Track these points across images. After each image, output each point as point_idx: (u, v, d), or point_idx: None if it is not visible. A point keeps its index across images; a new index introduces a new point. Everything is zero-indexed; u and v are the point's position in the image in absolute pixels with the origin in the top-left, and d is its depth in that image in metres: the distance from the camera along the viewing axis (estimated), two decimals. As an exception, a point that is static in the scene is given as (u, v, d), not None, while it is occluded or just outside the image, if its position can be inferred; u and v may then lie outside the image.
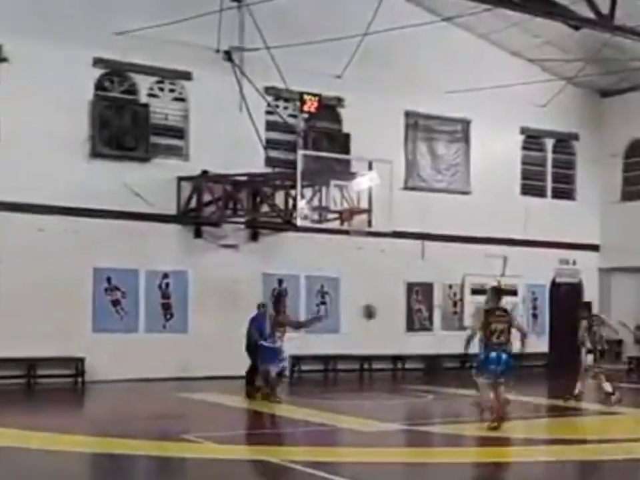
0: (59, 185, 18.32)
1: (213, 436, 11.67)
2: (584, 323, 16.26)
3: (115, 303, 19.11)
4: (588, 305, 17.25)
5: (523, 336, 12.50)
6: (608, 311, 25.54)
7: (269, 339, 15.49)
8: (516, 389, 16.51)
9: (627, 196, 25.15)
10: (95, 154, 18.97)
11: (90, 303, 18.79)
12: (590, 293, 25.46)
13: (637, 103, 24.42)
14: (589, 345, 16.09)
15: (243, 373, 17.77)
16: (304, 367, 20.51)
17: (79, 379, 18.28)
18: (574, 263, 25.17)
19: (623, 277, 25.30)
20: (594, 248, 25.48)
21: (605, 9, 17.75)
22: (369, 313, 16.24)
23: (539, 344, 24.37)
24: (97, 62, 19.14)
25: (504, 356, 12.01)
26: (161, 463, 10.17)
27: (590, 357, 16.07)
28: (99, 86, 19.36)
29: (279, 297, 16.46)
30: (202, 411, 15.17)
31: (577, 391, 15.89)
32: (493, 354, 12.03)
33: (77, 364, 18.29)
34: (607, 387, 15.93)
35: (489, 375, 12.18)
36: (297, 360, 20.31)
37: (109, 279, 19.03)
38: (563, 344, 24.49)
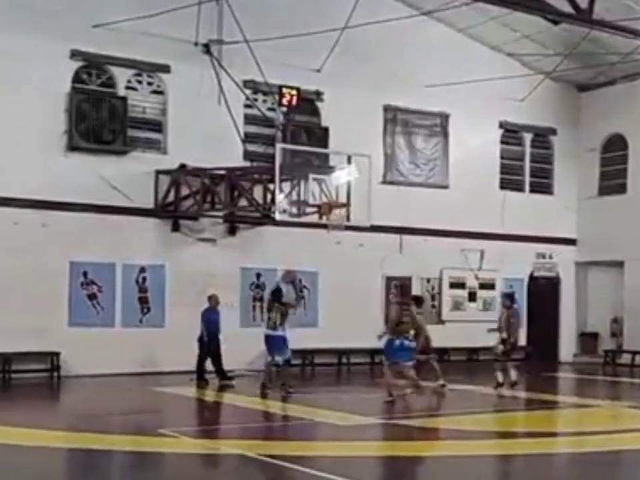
0: (36, 178, 18.16)
1: (189, 430, 11.63)
2: (505, 313, 16.52)
3: (92, 297, 18.98)
4: (511, 296, 17.32)
5: (419, 330, 15.21)
6: (585, 304, 25.78)
7: (279, 327, 15.55)
8: (494, 383, 16.62)
9: (604, 190, 25.26)
10: (72, 147, 18.82)
11: (66, 297, 18.64)
12: (567, 287, 25.64)
13: (615, 98, 24.53)
14: (504, 334, 16.33)
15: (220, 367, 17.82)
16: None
17: (55, 374, 18.17)
18: (551, 256, 25.28)
19: (599, 270, 25.46)
20: (571, 242, 25.60)
21: (583, 3, 17.79)
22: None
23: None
24: (75, 54, 18.97)
25: (405, 342, 14.57)
26: (137, 457, 10.12)
27: (500, 347, 16.37)
28: (77, 78, 19.19)
29: (279, 291, 16.35)
30: (178, 405, 15.13)
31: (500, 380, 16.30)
32: (397, 342, 14.55)
33: (53, 358, 18.17)
34: (500, 376, 16.39)
35: (393, 358, 14.66)
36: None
37: (85, 273, 18.90)
38: (541, 337, 24.70)
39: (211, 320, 17.51)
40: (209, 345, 17.40)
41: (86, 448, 10.38)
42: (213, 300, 17.77)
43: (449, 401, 15.76)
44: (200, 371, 17.56)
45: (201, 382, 17.37)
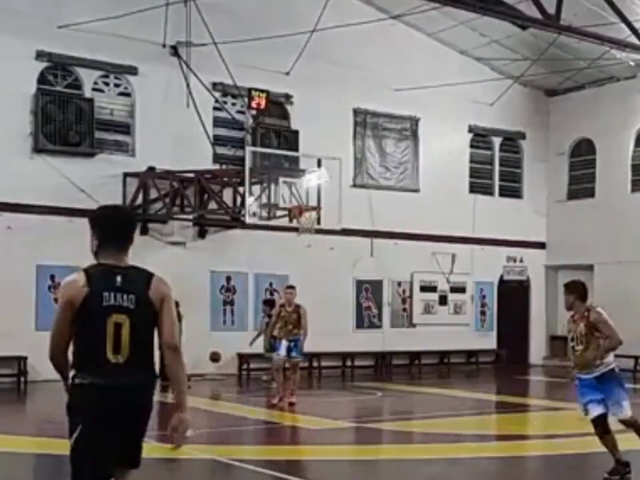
0: (1, 181, 17.89)
1: (158, 435, 11.44)
2: None
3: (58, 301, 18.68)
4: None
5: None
6: (555, 308, 25.89)
7: None
8: (465, 386, 16.62)
9: (573, 194, 25.42)
10: (38, 149, 18.56)
11: (33, 300, 18.36)
12: (537, 290, 25.75)
13: (582, 103, 24.69)
14: None
15: (190, 370, 17.63)
16: (252, 365, 20.33)
17: (22, 379, 17.87)
18: (521, 260, 25.38)
19: (568, 274, 25.51)
20: (540, 246, 25.72)
21: (551, 8, 17.89)
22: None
23: (488, 341, 24.57)
24: (40, 55, 18.71)
25: (292, 344, 15.07)
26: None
27: None
28: (42, 80, 18.94)
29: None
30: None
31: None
32: (285, 342, 15.01)
33: (20, 363, 17.87)
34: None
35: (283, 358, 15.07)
36: (244, 358, 20.18)
37: (52, 277, 18.64)
38: (511, 340, 24.78)
39: None
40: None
41: (54, 454, 10.17)
42: None
43: (420, 405, 15.73)
44: None
45: None
